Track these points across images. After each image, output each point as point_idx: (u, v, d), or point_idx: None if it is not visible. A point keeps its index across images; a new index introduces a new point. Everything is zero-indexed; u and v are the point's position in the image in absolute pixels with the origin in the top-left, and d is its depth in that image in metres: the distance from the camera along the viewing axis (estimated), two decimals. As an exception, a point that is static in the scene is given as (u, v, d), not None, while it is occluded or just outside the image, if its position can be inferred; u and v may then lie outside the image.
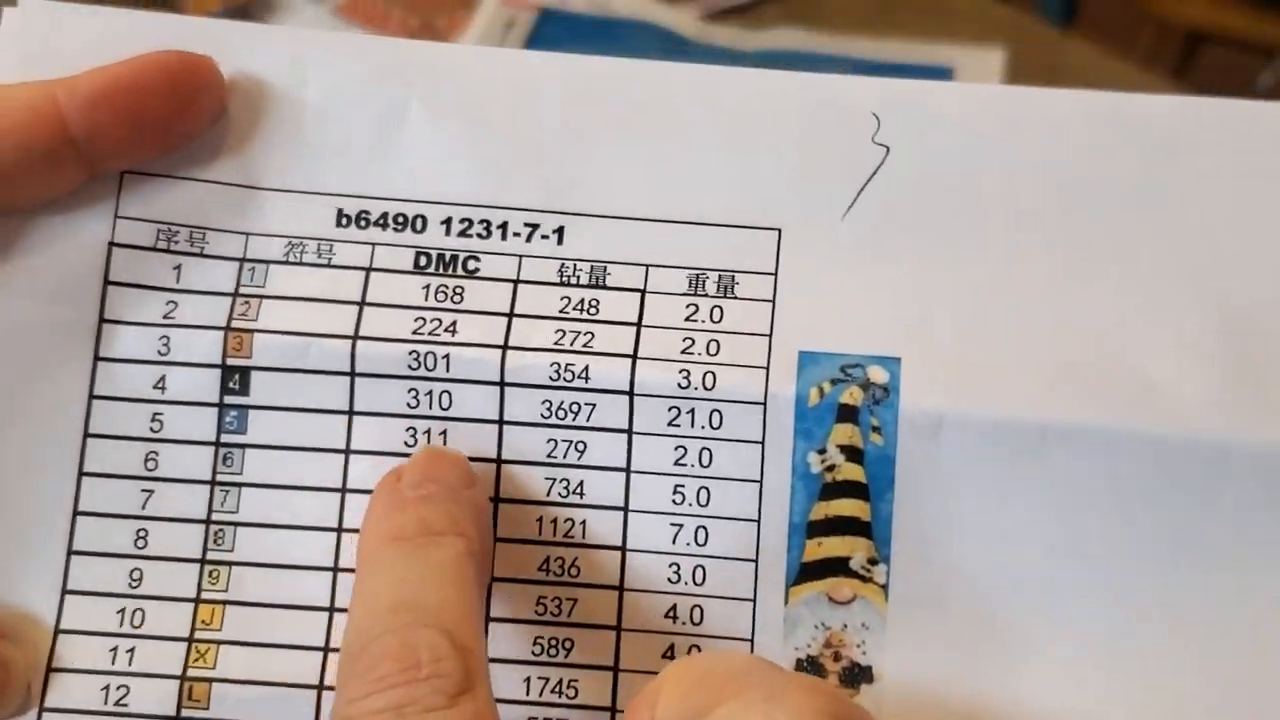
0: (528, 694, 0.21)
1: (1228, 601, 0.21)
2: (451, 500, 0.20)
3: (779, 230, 0.22)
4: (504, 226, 0.22)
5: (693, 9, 0.63)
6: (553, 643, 0.21)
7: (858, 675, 0.21)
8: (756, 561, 0.21)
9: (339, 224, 0.22)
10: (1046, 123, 0.22)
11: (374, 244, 0.22)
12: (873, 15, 0.63)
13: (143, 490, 0.22)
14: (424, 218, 0.22)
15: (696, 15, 0.63)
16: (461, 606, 0.18)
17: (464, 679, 0.17)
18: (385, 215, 0.22)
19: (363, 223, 0.22)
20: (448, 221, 0.22)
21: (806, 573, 0.21)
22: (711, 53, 0.59)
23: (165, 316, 0.22)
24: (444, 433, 0.22)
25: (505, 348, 0.22)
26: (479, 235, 0.22)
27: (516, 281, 0.22)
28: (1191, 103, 0.22)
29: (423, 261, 0.22)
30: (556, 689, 0.21)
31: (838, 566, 0.21)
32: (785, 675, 0.18)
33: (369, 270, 0.22)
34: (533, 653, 0.21)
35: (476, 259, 0.22)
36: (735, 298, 0.22)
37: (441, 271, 0.22)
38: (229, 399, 0.22)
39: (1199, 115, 0.22)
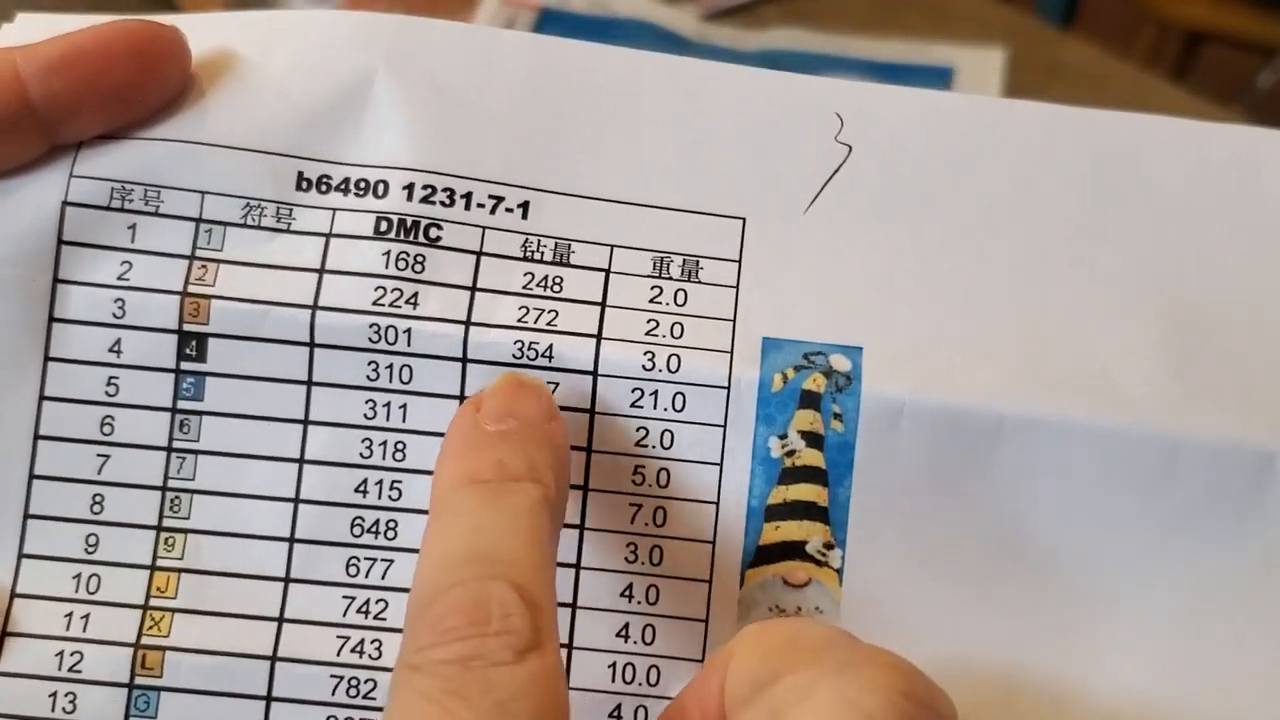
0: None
1: (1166, 594, 0.21)
2: (530, 440, 0.19)
3: (743, 220, 0.22)
4: (468, 197, 0.22)
5: (693, 9, 0.63)
6: None
7: (810, 660, 0.21)
8: (714, 544, 0.21)
9: (299, 187, 0.22)
10: (1005, 130, 0.23)
11: (335, 209, 0.22)
12: (873, 15, 0.63)
13: (99, 455, 0.21)
14: (386, 183, 0.22)
15: (696, 15, 0.63)
16: (534, 559, 0.18)
17: (533, 636, 0.17)
18: (347, 180, 0.22)
19: (324, 187, 0.22)
20: (410, 187, 0.22)
21: (763, 556, 0.21)
22: (711, 52, 0.59)
23: (120, 278, 0.22)
24: (404, 406, 0.22)
25: (468, 324, 0.22)
26: (442, 203, 0.22)
27: (479, 254, 0.22)
28: (1141, 118, 0.23)
29: (383, 227, 0.22)
30: None
31: (794, 550, 0.21)
32: (864, 649, 0.17)
33: (329, 236, 0.22)
34: None
35: (439, 227, 0.22)
36: (699, 282, 0.22)
37: (402, 238, 0.22)
38: (185, 365, 0.22)
39: (1149, 130, 0.23)
